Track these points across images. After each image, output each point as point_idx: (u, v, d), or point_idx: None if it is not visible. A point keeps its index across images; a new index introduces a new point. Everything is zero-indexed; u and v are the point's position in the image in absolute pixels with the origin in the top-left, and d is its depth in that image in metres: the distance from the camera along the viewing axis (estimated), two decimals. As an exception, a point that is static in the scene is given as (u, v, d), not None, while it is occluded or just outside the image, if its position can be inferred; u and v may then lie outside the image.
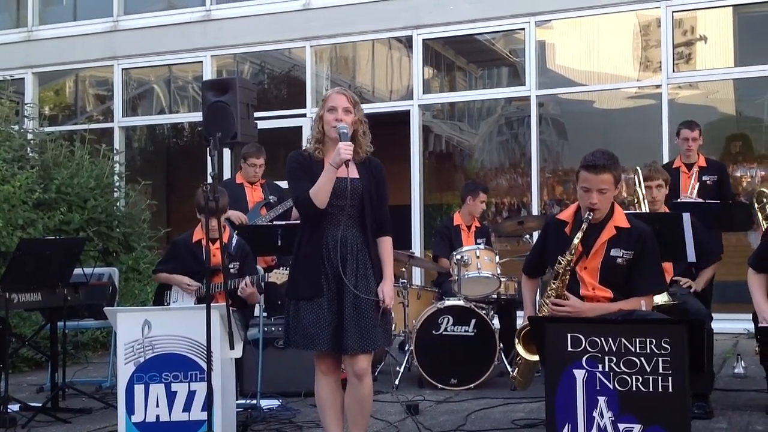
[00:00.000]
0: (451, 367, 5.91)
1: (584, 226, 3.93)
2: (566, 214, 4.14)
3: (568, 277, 3.99)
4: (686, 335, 3.33)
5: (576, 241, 3.94)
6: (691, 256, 4.59)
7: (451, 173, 10.89)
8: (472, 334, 5.94)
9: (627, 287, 4.01)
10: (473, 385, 5.86)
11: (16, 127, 9.24)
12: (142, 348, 4.34)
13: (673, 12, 8.82)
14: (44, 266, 5.07)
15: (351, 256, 3.72)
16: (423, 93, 9.77)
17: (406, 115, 9.72)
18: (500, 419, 4.96)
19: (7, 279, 4.87)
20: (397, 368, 6.12)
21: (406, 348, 6.28)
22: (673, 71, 8.81)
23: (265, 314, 5.76)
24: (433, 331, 5.97)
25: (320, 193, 3.66)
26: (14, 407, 5.15)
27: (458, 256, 6.23)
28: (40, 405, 5.24)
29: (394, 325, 6.21)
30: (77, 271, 5.41)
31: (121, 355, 4.37)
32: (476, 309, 5.97)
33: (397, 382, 5.94)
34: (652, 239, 4.01)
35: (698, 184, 6.42)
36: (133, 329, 4.36)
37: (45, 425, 5.01)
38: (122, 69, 10.95)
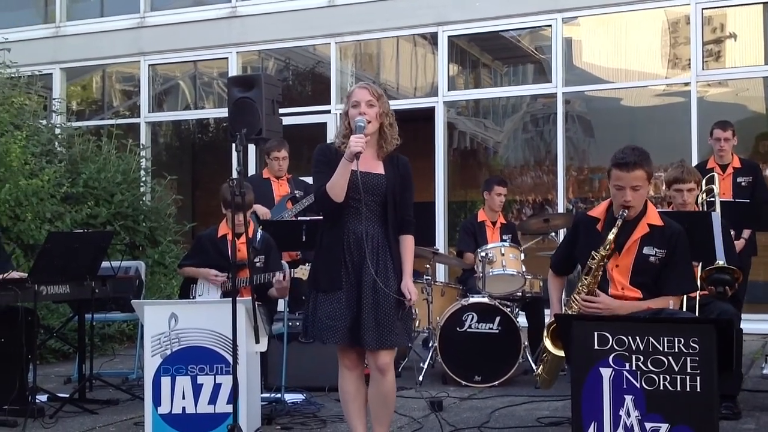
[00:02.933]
0: (475, 364, 5.90)
1: (619, 222, 3.89)
2: (598, 211, 4.12)
3: (600, 273, 3.97)
4: (715, 335, 3.30)
5: (611, 236, 3.90)
6: (720, 257, 4.54)
7: (475, 170, 10.87)
8: (497, 331, 5.92)
9: (656, 286, 3.97)
10: (497, 382, 5.85)
11: (44, 122, 9.35)
12: (169, 341, 4.38)
13: (702, 9, 8.73)
14: (73, 259, 5.11)
15: (371, 251, 3.71)
16: (448, 90, 9.75)
17: (430, 111, 9.70)
18: (525, 417, 4.94)
19: (37, 271, 4.91)
20: (421, 364, 6.12)
21: (430, 344, 6.28)
22: (703, 69, 8.73)
23: (288, 309, 5.78)
24: (458, 328, 5.96)
25: (334, 187, 3.66)
26: (42, 398, 5.21)
27: (483, 253, 6.21)
28: (68, 396, 5.30)
29: (418, 322, 6.24)
30: (105, 264, 5.46)
31: (148, 348, 4.41)
32: (501, 306, 5.96)
33: (420, 378, 5.94)
34: (685, 239, 3.98)
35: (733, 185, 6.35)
36: (160, 322, 4.39)
37: (73, 416, 5.07)
38: (149, 65, 11.02)
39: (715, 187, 5.33)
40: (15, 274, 5.04)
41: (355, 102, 3.75)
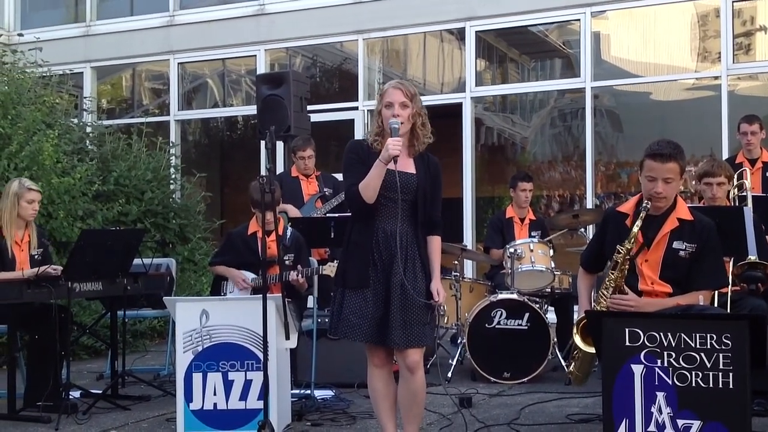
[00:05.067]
0: (504, 360, 5.89)
1: (643, 214, 3.87)
2: (627, 207, 4.09)
3: (627, 267, 3.94)
4: (748, 331, 3.28)
5: (635, 229, 3.89)
6: (752, 252, 4.49)
7: (503, 166, 10.84)
8: (526, 327, 5.91)
9: (687, 281, 3.95)
10: (526, 379, 5.83)
11: (76, 121, 9.45)
12: (200, 337, 4.43)
13: (732, 2, 8.62)
14: (105, 256, 5.17)
15: (401, 250, 3.70)
16: (475, 85, 9.72)
17: (458, 107, 9.68)
18: (555, 414, 4.93)
19: (70, 269, 4.97)
20: (450, 361, 6.13)
21: (459, 341, 6.28)
22: (733, 62, 8.62)
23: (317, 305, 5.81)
24: (486, 325, 5.95)
25: (368, 188, 3.66)
26: (75, 394, 5.27)
27: (512, 249, 6.20)
28: (101, 392, 5.37)
29: (446, 318, 6.24)
30: (136, 261, 5.52)
31: (179, 344, 4.46)
32: (530, 302, 5.94)
33: (449, 375, 5.94)
34: (716, 233, 3.94)
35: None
36: (192, 319, 4.45)
37: (105, 412, 5.13)
38: (178, 63, 11.10)
39: (747, 182, 5.28)
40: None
41: (388, 102, 3.73)
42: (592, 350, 3.97)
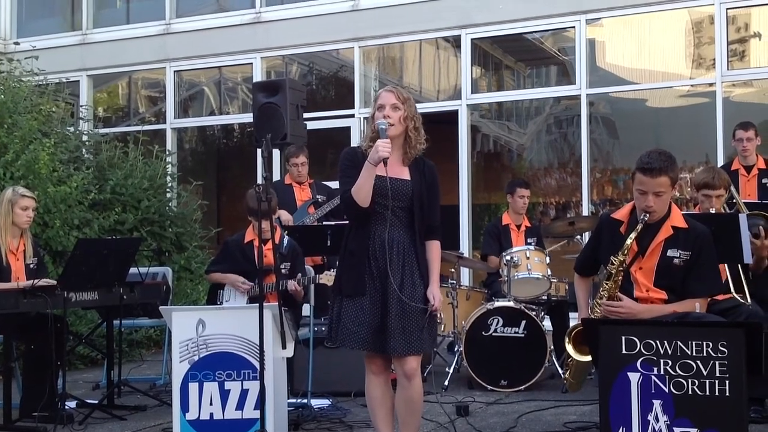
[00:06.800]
0: (501, 368, 5.89)
1: (639, 227, 3.88)
2: (621, 213, 4.10)
3: (621, 278, 3.95)
4: (744, 338, 3.28)
5: (629, 241, 3.89)
6: (748, 258, 4.50)
7: (499, 173, 10.84)
8: (523, 335, 5.91)
9: (682, 289, 3.95)
10: (523, 387, 5.83)
11: (72, 129, 9.44)
12: (197, 347, 4.41)
13: (726, 9, 8.65)
14: (101, 266, 5.16)
15: (397, 257, 3.71)
16: (471, 92, 9.74)
17: (454, 114, 9.71)
18: (551, 422, 4.92)
19: (66, 278, 4.97)
20: (447, 369, 6.12)
21: (456, 349, 6.28)
22: (727, 69, 8.65)
23: (313, 314, 5.80)
24: (483, 332, 5.95)
25: (360, 191, 3.66)
26: (71, 404, 5.27)
27: (508, 257, 6.20)
28: (97, 402, 5.36)
29: (443, 326, 6.24)
30: (133, 270, 5.51)
31: (176, 354, 4.44)
32: (526, 310, 5.94)
33: (446, 383, 5.93)
34: (710, 241, 3.95)
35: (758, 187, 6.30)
36: (188, 328, 4.43)
37: (101, 422, 5.12)
38: (174, 71, 11.11)
39: (734, 190, 5.25)
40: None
41: (380, 105, 3.77)
42: (585, 359, 3.97)
